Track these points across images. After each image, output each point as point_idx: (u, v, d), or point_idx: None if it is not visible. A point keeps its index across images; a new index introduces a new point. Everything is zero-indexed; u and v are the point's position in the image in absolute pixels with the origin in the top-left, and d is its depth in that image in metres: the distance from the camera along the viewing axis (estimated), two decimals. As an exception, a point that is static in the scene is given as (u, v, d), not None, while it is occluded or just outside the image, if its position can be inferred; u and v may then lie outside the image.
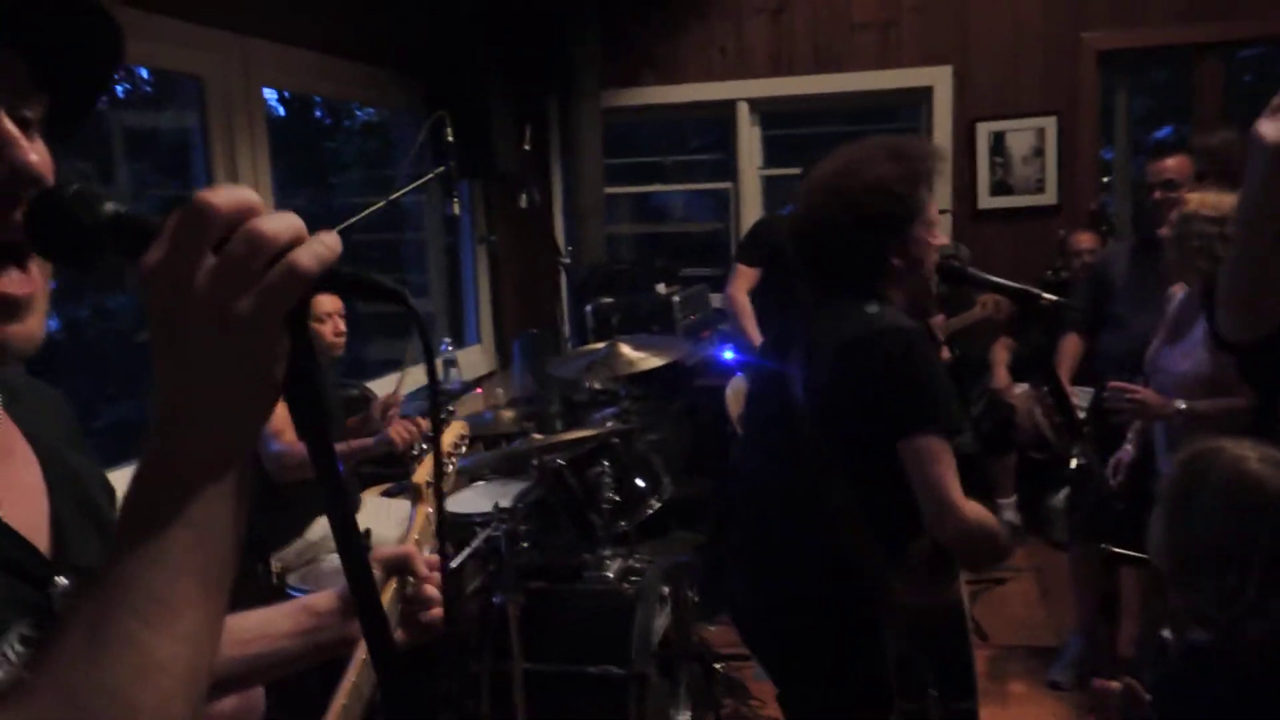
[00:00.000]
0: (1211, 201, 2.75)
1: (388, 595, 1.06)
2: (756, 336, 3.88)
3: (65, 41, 0.75)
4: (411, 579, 1.08)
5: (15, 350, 0.74)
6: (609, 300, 4.54)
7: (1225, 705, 1.45)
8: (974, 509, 1.85)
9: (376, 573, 1.06)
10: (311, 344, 0.69)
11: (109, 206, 0.68)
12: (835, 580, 1.93)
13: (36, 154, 0.72)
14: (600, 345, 3.54)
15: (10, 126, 0.71)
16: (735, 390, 4.09)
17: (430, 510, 1.21)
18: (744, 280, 3.92)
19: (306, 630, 1.01)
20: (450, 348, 4.64)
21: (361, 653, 1.04)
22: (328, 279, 0.68)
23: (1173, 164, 3.47)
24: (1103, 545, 2.35)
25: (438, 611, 1.09)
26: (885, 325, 1.92)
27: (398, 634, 1.06)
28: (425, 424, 2.96)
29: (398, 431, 2.94)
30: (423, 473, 1.25)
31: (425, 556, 1.10)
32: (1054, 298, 2.35)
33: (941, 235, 2.18)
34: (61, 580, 0.78)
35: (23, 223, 0.69)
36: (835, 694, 2.01)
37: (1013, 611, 3.87)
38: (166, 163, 5.07)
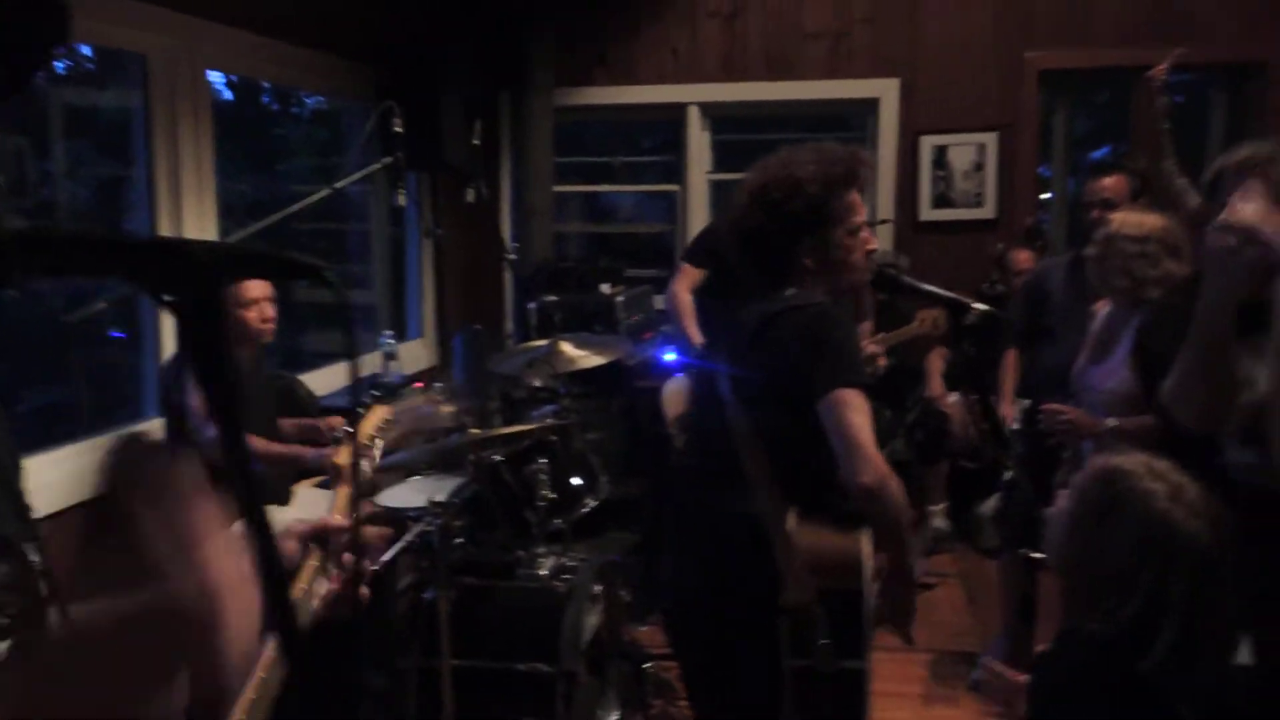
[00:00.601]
0: (1134, 221, 2.83)
1: (309, 571, 1.05)
2: (696, 335, 3.90)
3: (10, 21, 0.74)
4: (332, 553, 1.07)
5: None
6: (553, 298, 4.54)
7: (1079, 694, 1.51)
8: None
9: (295, 546, 1.05)
10: (224, 326, 0.69)
11: (10, 222, 0.68)
12: (749, 544, 2.01)
13: None
14: (542, 342, 3.54)
15: None
16: (672, 391, 4.11)
17: (349, 489, 1.21)
18: (687, 279, 3.95)
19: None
20: (392, 341, 4.62)
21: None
22: (248, 261, 0.69)
23: (1110, 183, 3.56)
24: (1022, 550, 2.42)
25: (363, 590, 1.08)
26: (798, 300, 2.04)
27: (319, 609, 1.04)
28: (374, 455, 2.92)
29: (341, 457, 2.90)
30: (344, 455, 1.25)
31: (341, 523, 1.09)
32: (984, 307, 2.41)
33: (874, 241, 2.24)
34: None
35: None
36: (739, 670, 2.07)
37: (940, 617, 3.94)
38: (106, 142, 4.97)
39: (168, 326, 3.51)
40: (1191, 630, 1.45)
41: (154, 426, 3.36)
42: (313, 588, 1.04)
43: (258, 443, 3.01)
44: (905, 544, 2.04)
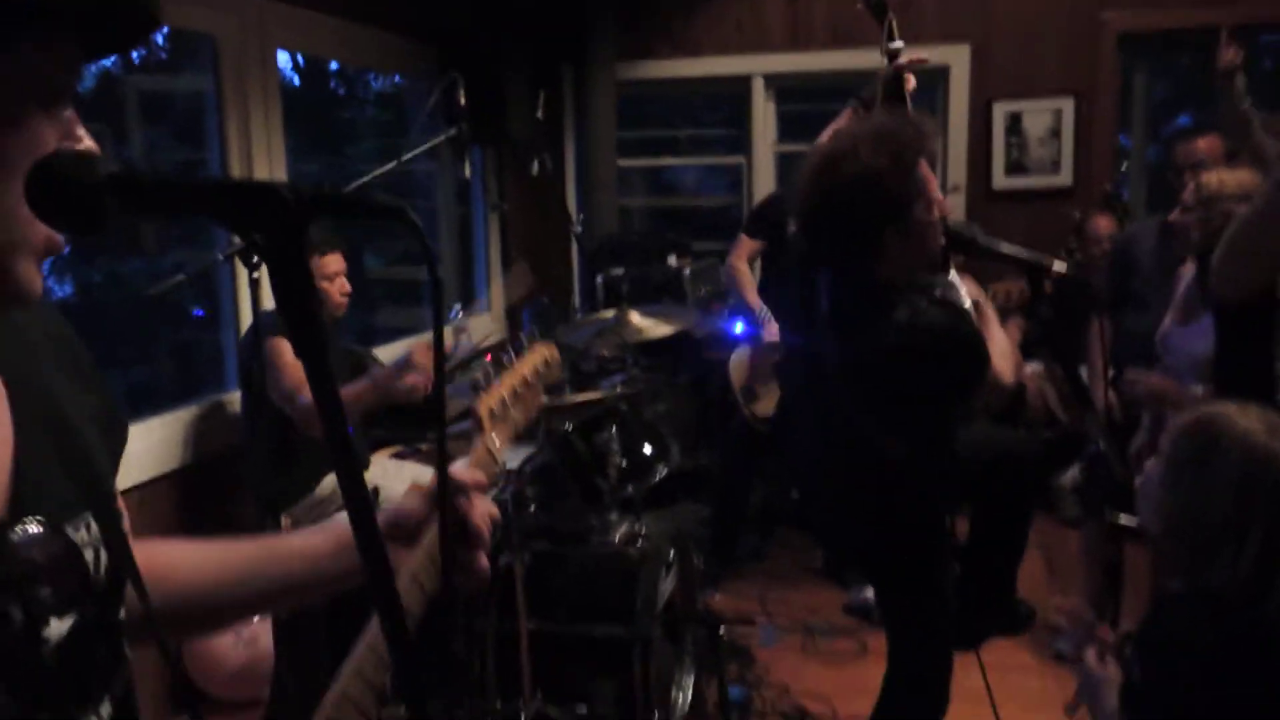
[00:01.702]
0: (1235, 179, 2.73)
1: (429, 534, 1.01)
2: (756, 303, 3.92)
3: (114, 19, 0.78)
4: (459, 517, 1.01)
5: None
6: (620, 271, 4.54)
7: (1200, 650, 1.46)
8: None
9: (420, 504, 1.03)
10: (312, 282, 0.70)
11: (106, 166, 0.70)
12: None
13: (89, 139, 0.76)
14: (610, 313, 3.54)
15: (71, 114, 0.75)
16: (739, 360, 4.09)
17: (492, 442, 1.11)
18: (744, 250, 3.98)
19: (343, 552, 0.99)
20: (460, 314, 4.65)
21: (369, 634, 0.97)
22: (332, 201, 0.70)
23: (1204, 145, 3.45)
24: (1108, 514, 2.35)
25: (483, 561, 1.02)
26: (927, 335, 2.07)
27: (434, 579, 1.01)
28: (424, 357, 2.91)
29: (414, 379, 2.89)
30: (487, 402, 1.13)
31: (482, 501, 1.02)
32: (1062, 266, 2.35)
33: (948, 206, 2.20)
34: (21, 529, 0.76)
35: (23, 189, 0.70)
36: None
37: (1020, 587, 3.86)
38: (181, 127, 5.07)
39: (244, 302, 3.57)
40: None
41: (232, 399, 3.43)
42: (431, 562, 1.00)
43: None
44: None
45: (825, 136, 2.52)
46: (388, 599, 0.76)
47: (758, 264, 4.18)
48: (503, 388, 1.14)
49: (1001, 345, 2.22)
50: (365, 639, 0.97)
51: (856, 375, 2.16)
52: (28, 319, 0.87)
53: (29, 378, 0.84)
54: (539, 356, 1.23)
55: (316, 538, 1.03)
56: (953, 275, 2.27)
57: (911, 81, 2.51)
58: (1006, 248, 2.33)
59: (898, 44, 2.55)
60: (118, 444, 0.95)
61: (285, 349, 2.86)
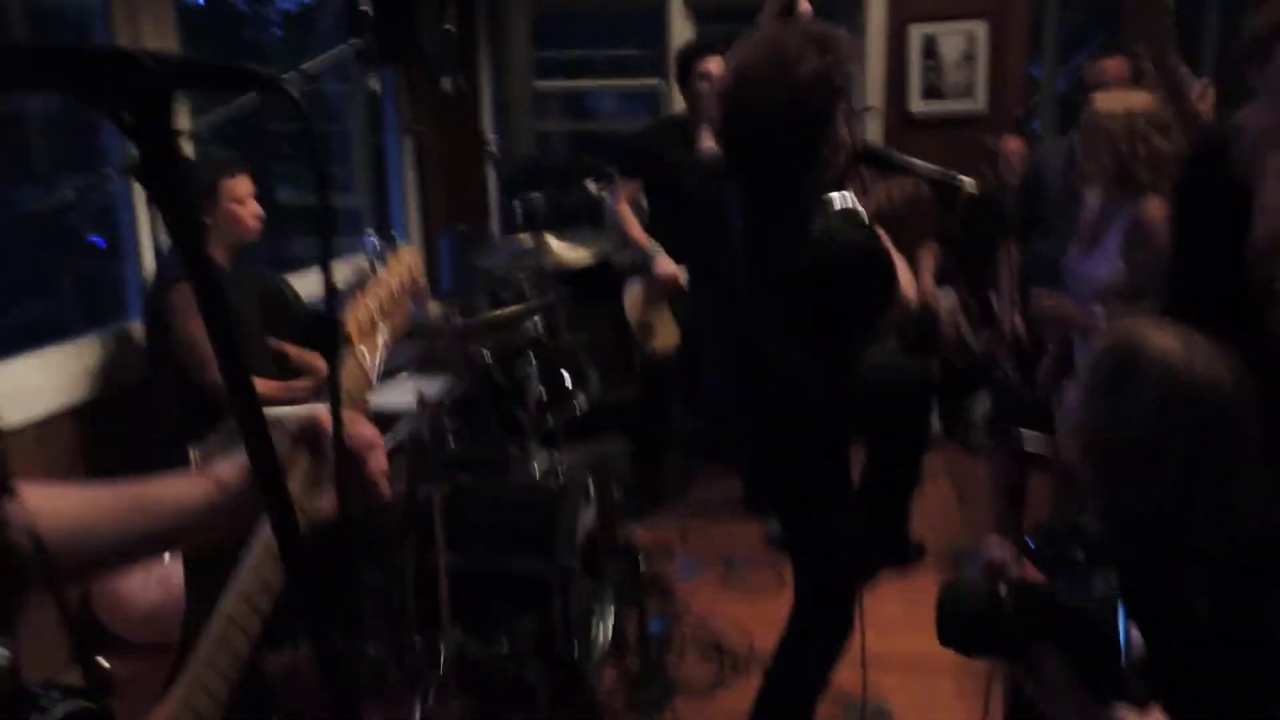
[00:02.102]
0: (1117, 98, 2.75)
1: (298, 471, 0.95)
2: (644, 239, 3.88)
3: None
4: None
5: None
6: (537, 195, 4.45)
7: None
8: None
9: (284, 442, 0.96)
10: (177, 140, 0.64)
11: None
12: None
13: None
14: (527, 238, 3.48)
15: None
16: (631, 297, 4.08)
17: (362, 357, 1.05)
18: (624, 191, 3.97)
19: (217, 505, 0.97)
20: (375, 243, 4.52)
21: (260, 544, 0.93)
22: (201, 72, 0.64)
23: (1111, 64, 3.47)
24: (1016, 431, 2.40)
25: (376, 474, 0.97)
26: (846, 248, 2.05)
27: (324, 503, 0.97)
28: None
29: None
30: (355, 315, 1.07)
31: (356, 421, 0.97)
32: (975, 187, 2.36)
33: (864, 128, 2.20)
34: None
35: None
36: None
37: (929, 517, 3.97)
38: (61, 44, 4.79)
39: (144, 230, 3.42)
40: (1228, 497, 1.37)
41: (135, 329, 3.30)
42: (307, 491, 0.96)
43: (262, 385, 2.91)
44: None
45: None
46: (285, 530, 0.74)
47: (642, 202, 4.11)
48: (369, 299, 1.08)
49: (903, 269, 2.22)
50: (249, 560, 0.94)
51: (770, 294, 2.13)
52: None
53: None
54: (404, 265, 1.16)
55: (192, 488, 0.98)
56: (847, 194, 2.26)
57: (805, 7, 2.45)
58: (920, 165, 2.34)
59: None
60: None
61: (188, 303, 2.77)
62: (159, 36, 3.47)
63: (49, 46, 0.63)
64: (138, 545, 0.99)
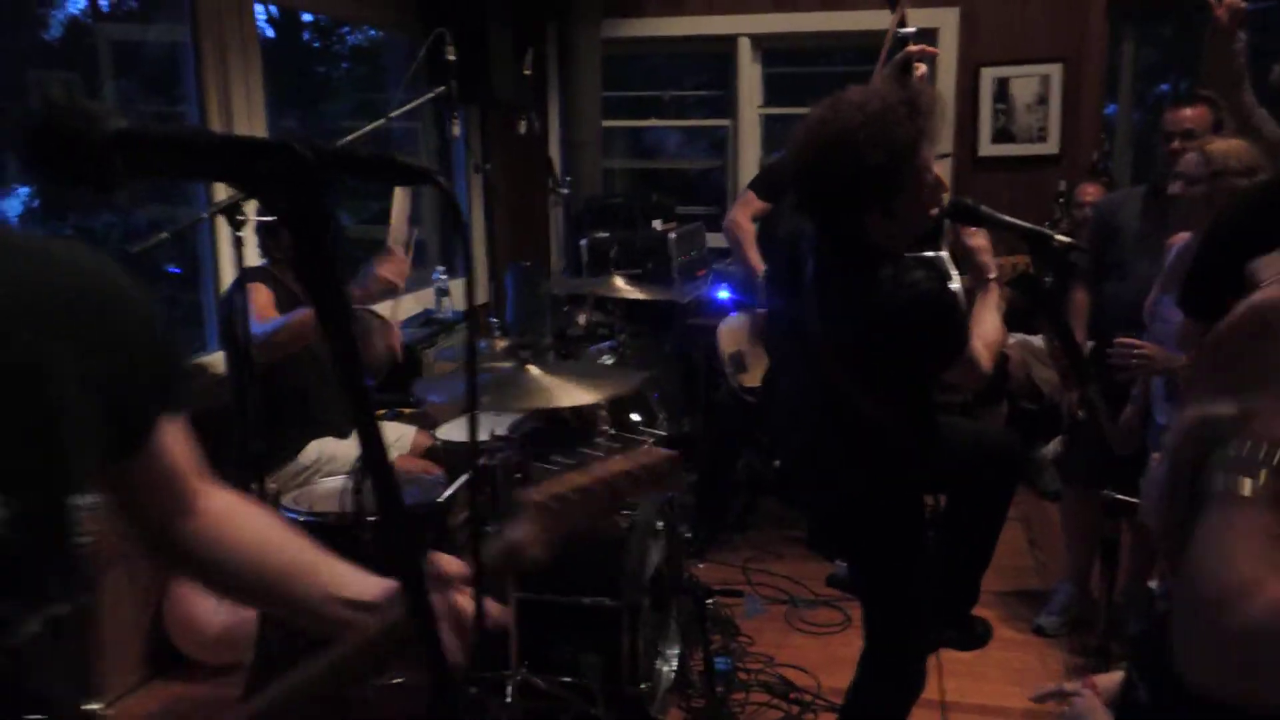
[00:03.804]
0: (1237, 151, 2.70)
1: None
2: (759, 263, 3.80)
3: None
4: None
5: None
6: (605, 235, 4.48)
7: None
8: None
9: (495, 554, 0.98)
10: (331, 229, 0.65)
11: (114, 121, 0.64)
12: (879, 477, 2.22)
13: None
14: (597, 279, 3.50)
15: None
16: (729, 328, 4.05)
17: (527, 535, 1.01)
18: (750, 208, 3.80)
19: (374, 624, 0.96)
20: (444, 277, 4.58)
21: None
22: (355, 163, 0.66)
23: (1191, 114, 3.42)
24: (1105, 491, 2.35)
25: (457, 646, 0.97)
26: (910, 293, 2.03)
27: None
28: (400, 254, 2.85)
29: (384, 269, 2.84)
30: (547, 488, 1.03)
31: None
32: (1066, 239, 2.33)
33: (946, 185, 2.19)
34: None
35: (24, 144, 0.64)
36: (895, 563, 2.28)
37: (1001, 560, 3.87)
38: (153, 78, 4.93)
39: (226, 262, 3.49)
40: None
41: (215, 360, 3.36)
42: None
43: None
44: None
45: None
46: (409, 570, 0.75)
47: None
48: (573, 481, 1.01)
49: (990, 330, 2.20)
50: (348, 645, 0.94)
51: (837, 338, 2.13)
52: (22, 274, 0.83)
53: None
54: (639, 463, 1.04)
55: (357, 587, 1.01)
56: (943, 252, 2.26)
57: (921, 69, 2.48)
58: (1010, 220, 2.31)
59: (909, 30, 2.52)
60: (131, 402, 0.92)
61: (260, 290, 2.83)
62: (245, 69, 3.56)
63: (217, 138, 0.65)
64: (288, 601, 1.02)
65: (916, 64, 2.49)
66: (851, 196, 2.04)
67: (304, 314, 2.73)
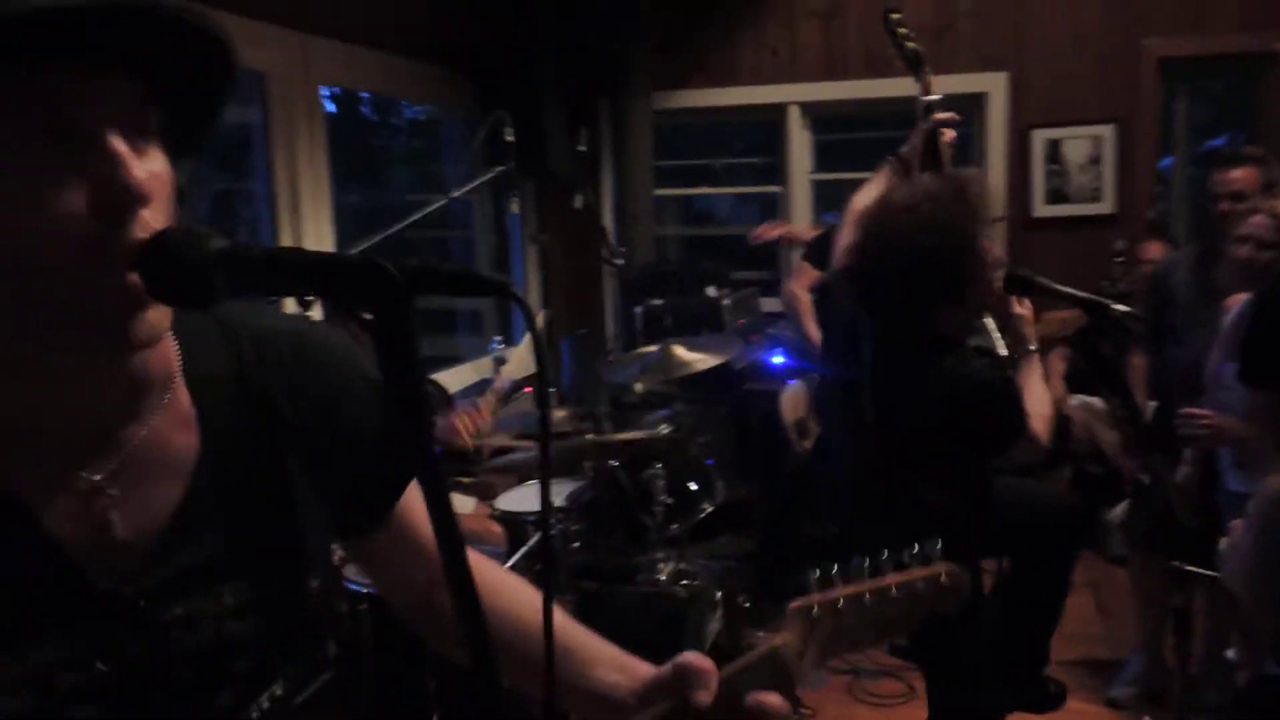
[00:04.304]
0: (1263, 210, 2.68)
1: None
2: (815, 334, 3.82)
3: (176, 57, 0.76)
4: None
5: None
6: (659, 302, 4.52)
7: None
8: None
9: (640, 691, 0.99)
10: (415, 341, 0.69)
11: (215, 243, 0.71)
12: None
13: (144, 170, 0.74)
14: (653, 348, 3.53)
15: (119, 145, 0.73)
16: (792, 395, 4.05)
17: (793, 657, 0.97)
18: (806, 278, 3.83)
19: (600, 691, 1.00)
20: (501, 346, 4.64)
21: None
22: (438, 278, 0.70)
23: (1240, 175, 3.39)
24: (1173, 563, 2.30)
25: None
26: (971, 383, 2.09)
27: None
28: (486, 413, 2.93)
29: (462, 421, 2.89)
30: (813, 599, 0.98)
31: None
32: (1124, 308, 2.33)
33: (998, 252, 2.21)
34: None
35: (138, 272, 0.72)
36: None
37: (1069, 627, 3.79)
38: (222, 157, 5.12)
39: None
40: None
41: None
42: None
43: None
44: None
45: (863, 197, 2.50)
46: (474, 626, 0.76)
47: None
48: (844, 590, 0.96)
49: (1040, 402, 2.20)
50: None
51: (898, 426, 2.15)
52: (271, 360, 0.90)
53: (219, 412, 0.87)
54: (921, 575, 0.99)
55: (616, 675, 1.03)
56: (988, 323, 2.27)
57: (949, 134, 2.51)
58: (1067, 290, 2.32)
59: (934, 97, 2.55)
60: (366, 481, 0.97)
61: None
62: (310, 148, 3.69)
63: (310, 257, 0.70)
64: (563, 681, 1.01)
65: (944, 130, 2.51)
66: (923, 296, 2.08)
67: None
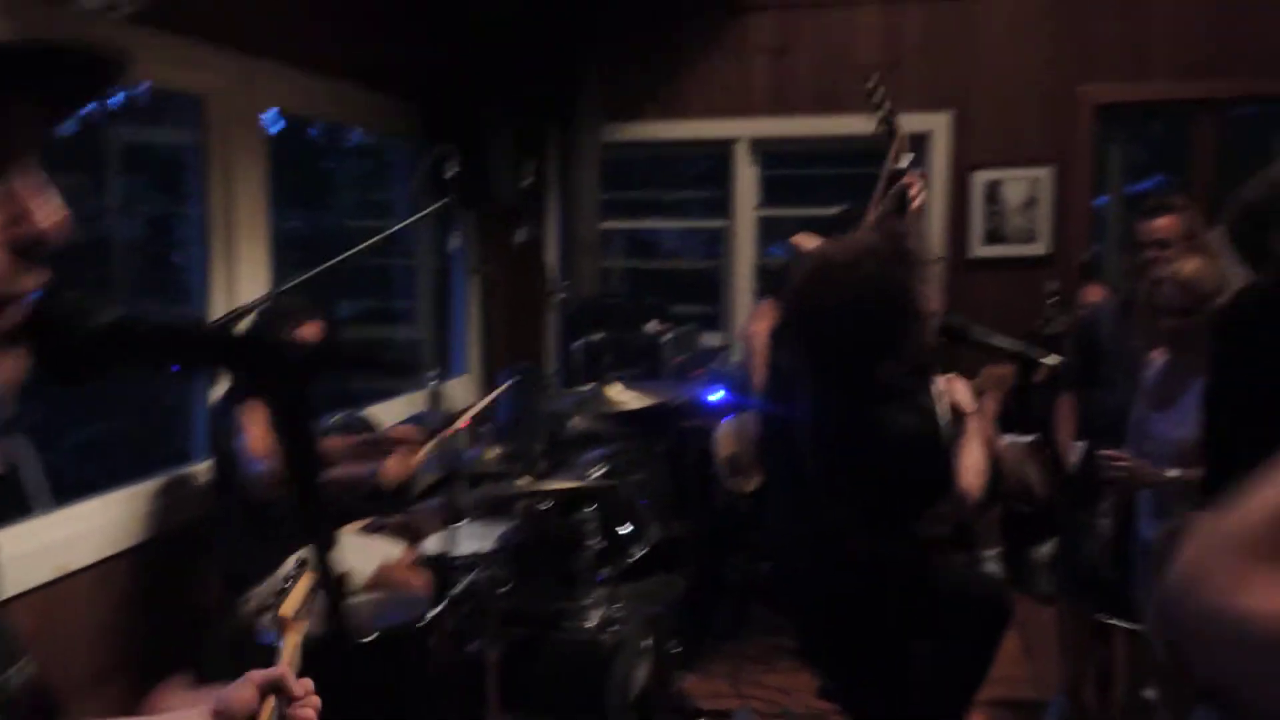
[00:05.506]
0: (1203, 273, 2.74)
1: (265, 714, 1.04)
2: (761, 381, 3.77)
3: (76, 84, 0.72)
4: (286, 700, 1.05)
5: None
6: (599, 337, 4.51)
7: None
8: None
9: (251, 693, 1.03)
10: (313, 417, 0.69)
11: (106, 315, 0.66)
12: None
13: (50, 214, 0.69)
14: (589, 386, 3.51)
15: (27, 195, 0.68)
16: (728, 431, 4.05)
17: (298, 641, 1.21)
18: (768, 319, 3.76)
19: None
20: (437, 380, 4.59)
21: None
22: (340, 361, 0.70)
23: (1164, 224, 3.46)
24: (1098, 615, 2.34)
25: None
26: (899, 437, 2.15)
27: None
28: (419, 457, 2.93)
29: (394, 461, 2.91)
30: (289, 605, 1.24)
31: (300, 681, 1.07)
32: (1054, 360, 2.36)
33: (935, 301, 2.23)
34: None
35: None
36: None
37: (994, 668, 3.82)
38: (160, 178, 5.03)
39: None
40: None
41: (200, 472, 3.35)
42: None
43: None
44: None
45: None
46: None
47: None
48: (303, 588, 1.25)
49: (976, 461, 2.23)
50: None
51: (829, 468, 2.17)
52: None
53: None
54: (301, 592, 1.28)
55: None
56: (940, 382, 2.29)
57: (918, 200, 2.54)
58: (999, 340, 2.36)
59: (903, 166, 2.58)
60: None
61: (257, 416, 2.83)
62: (250, 173, 3.63)
63: (207, 333, 0.70)
64: None
65: (911, 192, 2.55)
66: (861, 350, 2.10)
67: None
